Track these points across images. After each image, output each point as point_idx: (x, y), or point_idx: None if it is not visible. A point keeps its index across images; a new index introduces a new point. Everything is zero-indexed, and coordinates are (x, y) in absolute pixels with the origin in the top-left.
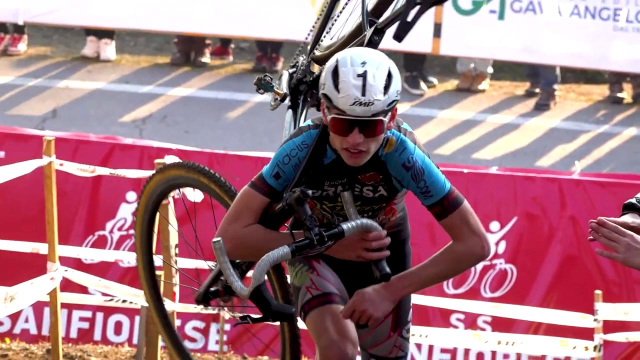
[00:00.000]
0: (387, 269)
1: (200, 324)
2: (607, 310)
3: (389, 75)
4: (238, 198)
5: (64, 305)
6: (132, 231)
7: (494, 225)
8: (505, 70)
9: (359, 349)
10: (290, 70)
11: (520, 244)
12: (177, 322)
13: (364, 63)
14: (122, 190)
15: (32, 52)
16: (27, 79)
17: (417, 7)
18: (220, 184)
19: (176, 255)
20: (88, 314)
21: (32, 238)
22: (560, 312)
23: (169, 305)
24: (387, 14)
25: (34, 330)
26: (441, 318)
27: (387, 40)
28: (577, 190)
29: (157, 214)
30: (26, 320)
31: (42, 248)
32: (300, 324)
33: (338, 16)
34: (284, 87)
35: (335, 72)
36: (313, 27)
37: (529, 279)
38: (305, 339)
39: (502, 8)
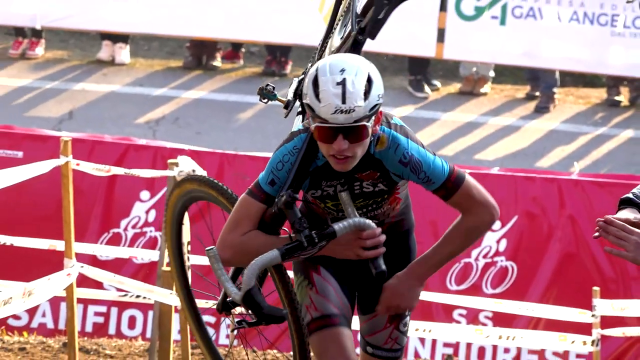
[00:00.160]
0: (383, 267)
1: (211, 319)
2: (605, 306)
3: (369, 80)
4: (237, 206)
5: (79, 300)
6: (145, 229)
7: (495, 223)
8: (506, 74)
9: (358, 351)
10: (299, 78)
11: (520, 242)
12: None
13: (342, 70)
14: (136, 189)
15: (49, 56)
16: (44, 81)
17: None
18: (227, 196)
19: (188, 252)
20: (103, 308)
21: (50, 235)
22: (559, 308)
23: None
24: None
25: (50, 325)
26: (444, 313)
27: (392, 45)
28: (575, 190)
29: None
30: (43, 315)
31: (59, 245)
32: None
33: (339, 22)
34: (289, 94)
35: (315, 82)
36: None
37: (529, 276)
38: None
39: (504, 14)
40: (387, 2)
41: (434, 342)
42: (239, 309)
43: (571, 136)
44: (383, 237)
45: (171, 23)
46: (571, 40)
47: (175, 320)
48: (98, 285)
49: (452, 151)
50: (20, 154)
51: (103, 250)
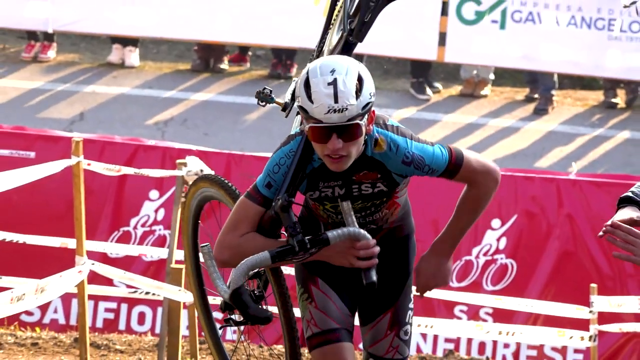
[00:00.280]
0: (374, 278)
1: (218, 315)
2: (602, 303)
3: (360, 79)
4: (235, 208)
5: (90, 297)
6: (154, 227)
7: (496, 222)
8: (506, 76)
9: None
10: (297, 79)
11: (520, 240)
12: (195, 313)
13: (333, 71)
14: (145, 189)
15: (61, 59)
16: (56, 84)
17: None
18: (234, 196)
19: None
20: (113, 305)
21: (61, 233)
22: (557, 304)
23: (189, 298)
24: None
25: (62, 320)
26: (445, 310)
27: (395, 49)
28: (573, 189)
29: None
30: (55, 311)
31: (70, 243)
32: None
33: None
34: (287, 95)
35: (307, 84)
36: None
37: (528, 273)
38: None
39: (504, 18)
40: (373, 4)
41: (435, 337)
42: None
43: (569, 137)
44: (377, 249)
45: (180, 27)
46: (569, 44)
47: (184, 316)
48: (108, 282)
49: None
50: (32, 154)
51: (113, 248)
